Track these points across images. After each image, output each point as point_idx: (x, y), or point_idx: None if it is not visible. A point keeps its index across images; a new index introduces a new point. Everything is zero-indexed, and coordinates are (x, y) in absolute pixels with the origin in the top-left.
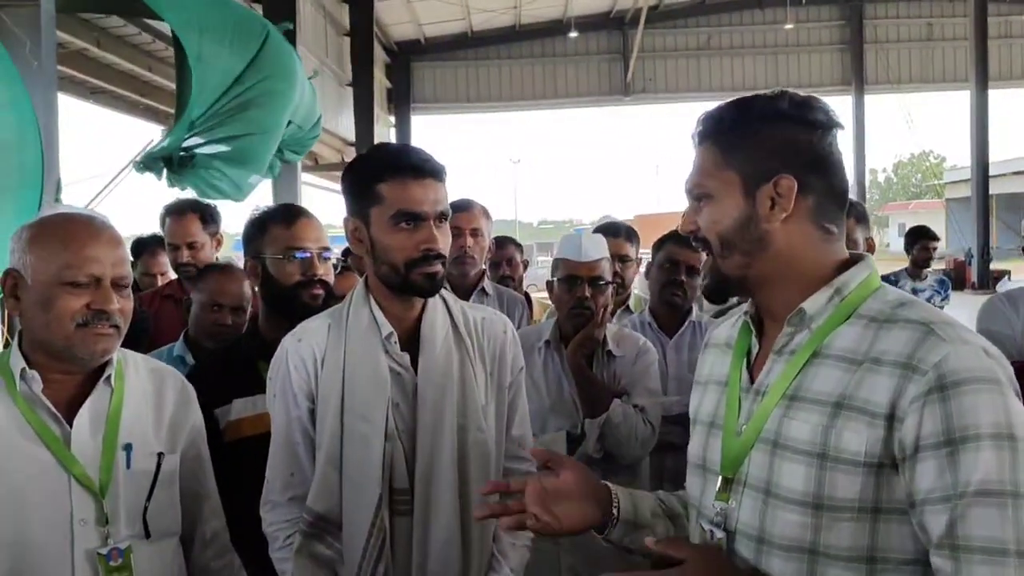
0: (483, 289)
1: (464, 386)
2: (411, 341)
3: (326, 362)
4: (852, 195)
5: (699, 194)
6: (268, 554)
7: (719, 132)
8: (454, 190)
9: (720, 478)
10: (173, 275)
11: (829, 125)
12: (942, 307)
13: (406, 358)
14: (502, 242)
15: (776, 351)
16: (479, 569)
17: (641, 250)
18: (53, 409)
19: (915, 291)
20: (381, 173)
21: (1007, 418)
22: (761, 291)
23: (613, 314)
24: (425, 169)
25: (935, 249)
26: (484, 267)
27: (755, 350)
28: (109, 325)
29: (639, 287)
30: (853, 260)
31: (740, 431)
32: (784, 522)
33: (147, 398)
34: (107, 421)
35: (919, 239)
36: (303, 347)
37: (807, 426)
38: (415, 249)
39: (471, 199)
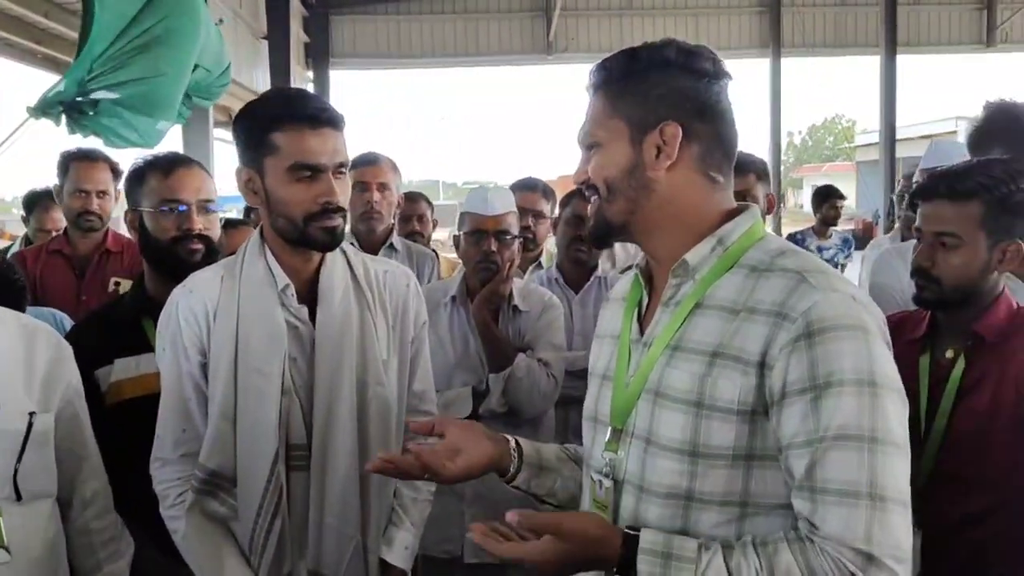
0: (391, 245)
1: (364, 340)
2: (309, 294)
3: (218, 314)
4: (767, 156)
5: (590, 143)
6: (155, 517)
7: (608, 81)
8: (377, 147)
9: (610, 429)
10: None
11: (717, 75)
12: (845, 264)
13: (304, 311)
14: (413, 197)
15: (664, 302)
16: (379, 524)
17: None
18: None
19: (820, 249)
20: (276, 122)
21: (869, 365)
22: (646, 238)
23: (525, 270)
24: (322, 118)
25: (841, 208)
26: (392, 222)
27: (645, 302)
28: None
29: (553, 245)
30: (739, 211)
31: (628, 383)
32: (662, 469)
33: (16, 355)
34: None
35: (827, 198)
36: (194, 299)
37: (686, 375)
38: (313, 202)
39: (378, 152)
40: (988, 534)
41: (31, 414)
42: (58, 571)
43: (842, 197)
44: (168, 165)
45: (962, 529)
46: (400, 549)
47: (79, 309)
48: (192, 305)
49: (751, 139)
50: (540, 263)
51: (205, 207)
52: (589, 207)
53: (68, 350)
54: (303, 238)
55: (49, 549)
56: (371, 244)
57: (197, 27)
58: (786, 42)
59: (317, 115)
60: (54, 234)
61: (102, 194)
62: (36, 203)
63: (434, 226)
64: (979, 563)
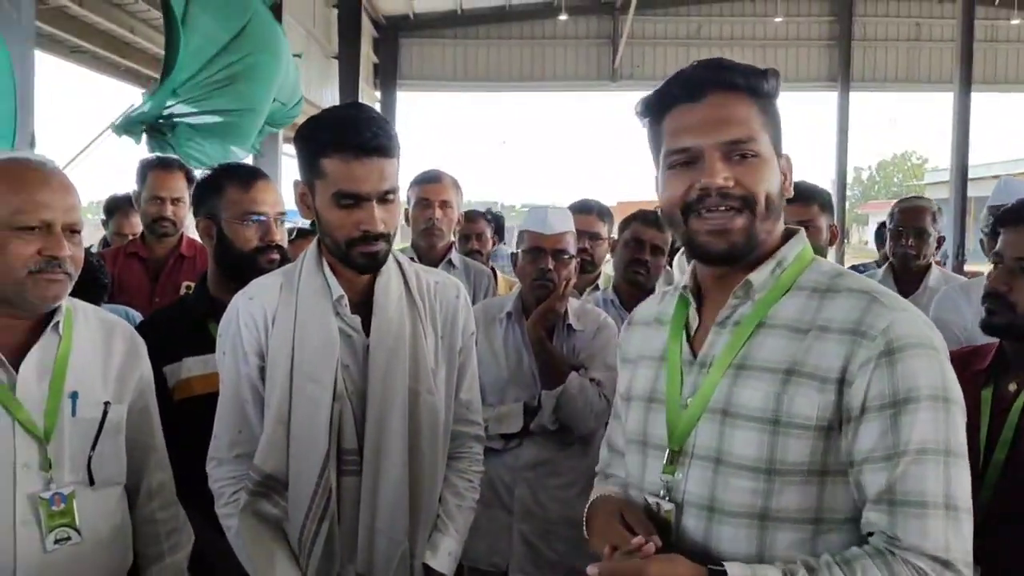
0: (450, 261)
1: (415, 349)
2: (363, 304)
3: (276, 321)
4: (832, 190)
5: (753, 151)
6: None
7: (758, 93)
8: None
9: (667, 451)
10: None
11: None
12: None
13: (357, 320)
14: (473, 216)
15: (719, 323)
16: (425, 529)
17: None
18: None
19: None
20: (325, 148)
21: (942, 381)
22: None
23: (582, 292)
24: (370, 147)
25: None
26: (453, 239)
27: (694, 324)
28: (60, 271)
29: (611, 267)
30: (788, 234)
31: (686, 404)
32: (736, 488)
33: (95, 347)
34: (54, 368)
35: None
36: (254, 305)
37: (759, 393)
38: (354, 228)
39: (441, 171)
40: None
41: (106, 404)
42: (124, 557)
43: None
44: (248, 178)
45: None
46: (444, 555)
47: (151, 310)
48: (252, 311)
49: (816, 172)
50: (598, 285)
51: (280, 219)
52: (729, 221)
53: (142, 345)
54: (345, 261)
55: (116, 534)
56: (431, 259)
57: (279, 64)
58: (856, 76)
59: (364, 144)
60: (131, 238)
61: (176, 201)
62: (116, 208)
63: (494, 244)
64: None
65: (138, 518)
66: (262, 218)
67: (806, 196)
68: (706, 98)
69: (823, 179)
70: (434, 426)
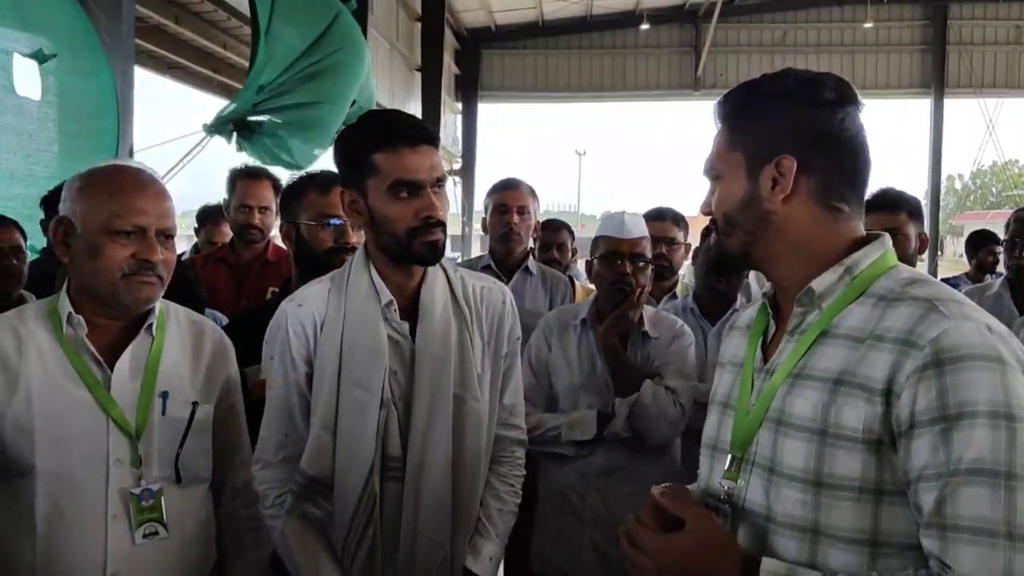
0: (527, 268)
1: (462, 355)
2: (410, 309)
3: (325, 328)
4: (926, 200)
5: (713, 175)
6: None
7: (729, 114)
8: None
9: (729, 457)
10: None
11: (841, 101)
12: None
13: (405, 327)
14: (556, 226)
15: (789, 331)
16: (467, 533)
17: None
18: (96, 353)
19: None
20: (375, 143)
21: (1006, 397)
22: (770, 268)
23: (659, 300)
24: (419, 136)
25: (999, 254)
26: (529, 246)
27: (772, 331)
28: (153, 275)
29: (688, 275)
30: (868, 239)
31: (750, 411)
32: (787, 499)
33: (186, 348)
34: (146, 368)
35: (983, 244)
36: (303, 312)
37: (808, 403)
38: (415, 218)
39: (518, 178)
40: None
41: (194, 404)
42: (208, 552)
43: (999, 243)
44: (326, 183)
45: None
46: (485, 560)
47: (236, 312)
48: (301, 318)
49: (909, 181)
50: (675, 293)
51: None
52: (714, 238)
53: (230, 347)
54: (407, 253)
55: (202, 530)
56: (508, 266)
57: (361, 64)
58: (950, 82)
59: (414, 134)
60: (220, 246)
61: (264, 210)
62: (208, 217)
63: (574, 254)
64: None
65: (222, 515)
66: (337, 221)
67: (893, 203)
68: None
69: (916, 189)
70: (478, 432)
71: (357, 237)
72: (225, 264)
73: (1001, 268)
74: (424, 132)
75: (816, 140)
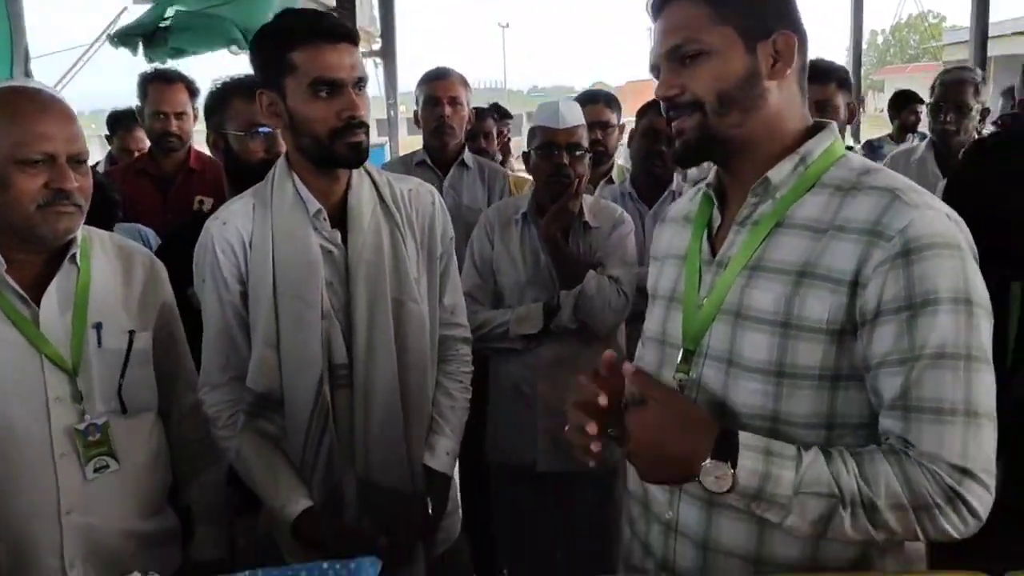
0: (463, 161)
1: (396, 260)
2: (339, 217)
3: (254, 244)
4: (849, 58)
5: (695, 51)
6: None
7: None
8: (440, 58)
9: (681, 351)
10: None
11: None
12: None
13: (337, 235)
14: (479, 113)
15: (739, 222)
16: (421, 432)
17: (627, 117)
18: (19, 289)
19: None
20: (293, 40)
21: (964, 283)
22: (742, 154)
23: (595, 185)
24: (338, 33)
25: (922, 113)
26: (463, 139)
27: (716, 223)
28: (70, 204)
29: (623, 157)
30: (818, 127)
31: (701, 304)
32: (746, 390)
33: (116, 276)
34: (75, 300)
35: (906, 104)
36: (228, 230)
37: (770, 295)
38: (337, 118)
39: (448, 68)
40: None
41: (131, 333)
42: (163, 478)
43: (921, 101)
44: (251, 88)
45: None
46: (442, 455)
47: (165, 227)
48: (227, 236)
49: (830, 40)
50: (611, 178)
51: None
52: (680, 122)
53: (163, 271)
54: (329, 156)
55: (153, 457)
56: (443, 160)
57: None
58: None
59: (333, 30)
60: (137, 154)
61: (181, 115)
62: (119, 124)
63: (504, 136)
64: None
65: (174, 439)
66: (267, 130)
67: (822, 75)
68: (663, 12)
69: (837, 46)
70: (420, 334)
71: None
72: (146, 175)
73: (923, 128)
74: (344, 29)
75: (798, 18)
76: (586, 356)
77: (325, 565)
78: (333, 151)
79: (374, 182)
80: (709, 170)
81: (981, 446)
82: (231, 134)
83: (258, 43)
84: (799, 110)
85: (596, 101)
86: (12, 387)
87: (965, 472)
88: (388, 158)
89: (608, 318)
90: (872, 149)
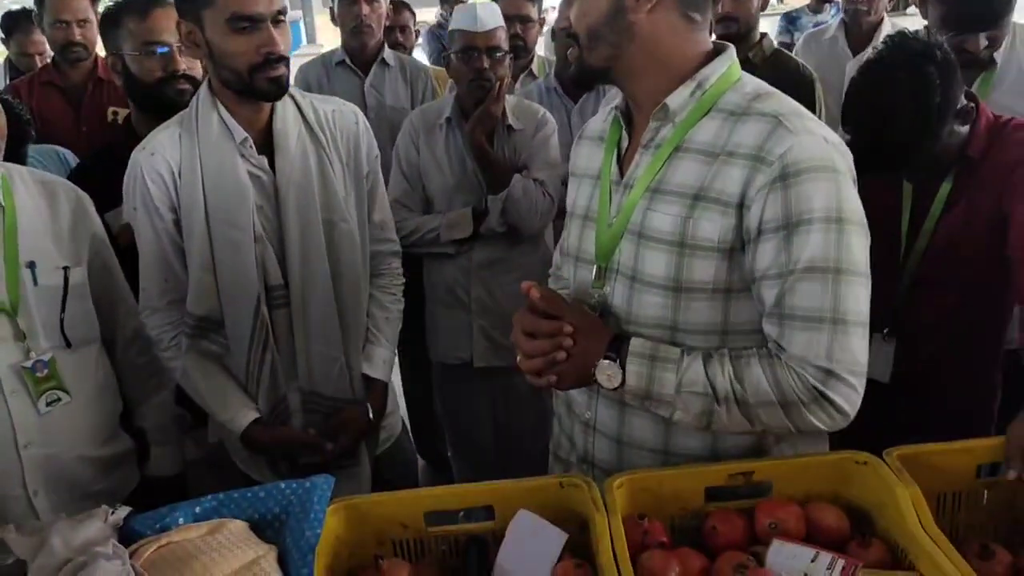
0: (383, 60)
1: (324, 181)
2: (265, 143)
3: (183, 173)
4: None
5: None
6: None
7: None
8: None
9: (595, 267)
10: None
11: None
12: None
13: (264, 161)
14: (395, 7)
15: (643, 145)
16: (357, 344)
17: (547, 4)
18: None
19: (817, 25)
20: None
21: (837, 203)
22: (628, 82)
23: (516, 79)
24: None
25: None
26: (382, 37)
27: (625, 144)
28: None
29: (544, 49)
30: (716, 51)
31: (611, 223)
32: (648, 304)
33: (41, 213)
34: (4, 241)
35: None
36: (156, 160)
37: (668, 218)
38: (256, 53)
39: None
40: (955, 327)
41: (65, 268)
42: (114, 405)
43: None
44: (144, 6)
45: (936, 326)
46: (379, 363)
47: (80, 141)
48: (156, 166)
49: None
50: (532, 72)
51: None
52: (570, 52)
53: (88, 201)
54: (249, 89)
55: (101, 387)
56: (364, 60)
57: None
58: None
59: None
60: (37, 58)
61: (83, 22)
62: (14, 26)
63: (417, 36)
64: (946, 356)
65: (120, 366)
66: (164, 48)
67: None
68: None
69: None
70: (352, 252)
71: (186, 63)
72: (54, 87)
73: None
74: None
75: None
76: (515, 257)
77: (283, 485)
78: (253, 85)
79: (298, 106)
80: None
81: (848, 349)
82: (127, 55)
83: None
84: (689, 37)
85: None
86: None
87: (830, 373)
88: (304, 35)
89: (535, 220)
90: (790, 20)
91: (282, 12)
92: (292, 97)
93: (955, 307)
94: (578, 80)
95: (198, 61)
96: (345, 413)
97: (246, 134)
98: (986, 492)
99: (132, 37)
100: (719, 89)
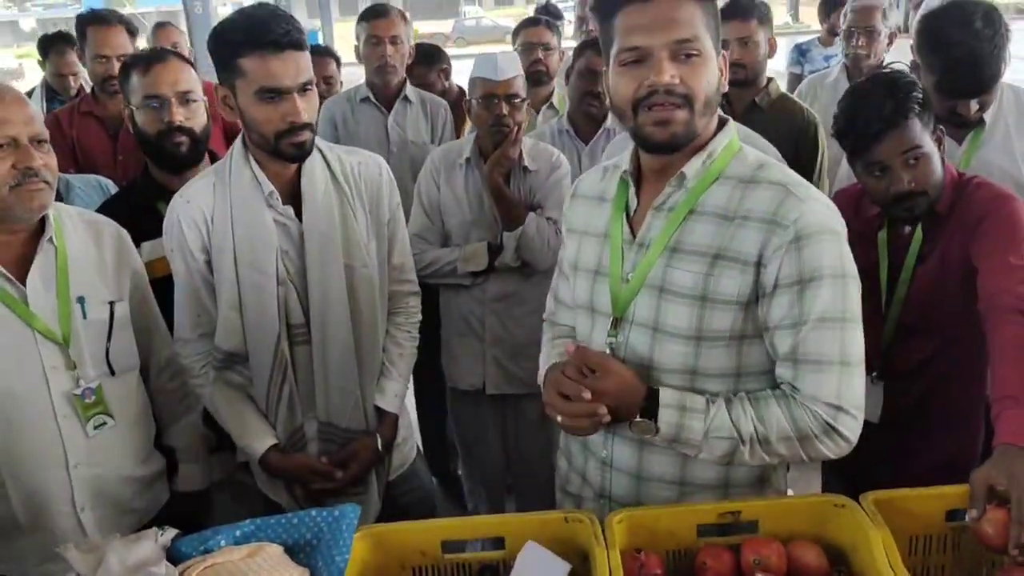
0: (406, 97)
1: (346, 228)
2: (293, 193)
3: (215, 220)
4: None
5: (695, 51)
6: None
7: None
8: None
9: (611, 318)
10: (85, 78)
11: None
12: None
13: (290, 210)
14: (428, 60)
15: (655, 207)
16: (372, 378)
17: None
18: (5, 272)
19: (826, 58)
20: (241, 48)
21: (841, 261)
22: (684, 151)
23: (538, 110)
24: (284, 42)
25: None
26: (404, 75)
27: (633, 206)
28: (40, 180)
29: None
30: (720, 123)
31: (627, 279)
32: (671, 352)
33: (88, 251)
34: (57, 278)
35: (835, 7)
36: (192, 208)
37: (689, 275)
38: (281, 121)
39: (387, 4)
40: (938, 372)
41: (111, 303)
42: (150, 426)
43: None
44: (147, 62)
45: (920, 370)
46: (391, 396)
47: (117, 170)
48: (191, 214)
49: None
50: (552, 104)
51: (185, 99)
52: (670, 112)
53: (128, 239)
54: (276, 152)
55: (140, 411)
56: (386, 97)
57: None
58: None
59: (279, 40)
60: (71, 79)
61: (122, 58)
62: (50, 48)
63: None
64: (930, 400)
65: (154, 391)
66: (154, 104)
67: (745, 11)
68: None
69: None
70: (370, 293)
71: (183, 115)
72: (93, 118)
73: None
74: (291, 37)
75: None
76: (527, 290)
77: (314, 512)
78: (279, 149)
79: (325, 159)
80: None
81: (852, 388)
82: (134, 108)
83: (213, 42)
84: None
85: (537, 24)
86: (10, 361)
87: (839, 409)
88: (321, 42)
89: (547, 256)
90: (801, 52)
91: (308, 83)
92: (320, 151)
93: (937, 352)
94: (676, 144)
95: (199, 114)
96: (356, 444)
97: (272, 187)
98: (953, 535)
99: (136, 91)
100: (725, 159)
